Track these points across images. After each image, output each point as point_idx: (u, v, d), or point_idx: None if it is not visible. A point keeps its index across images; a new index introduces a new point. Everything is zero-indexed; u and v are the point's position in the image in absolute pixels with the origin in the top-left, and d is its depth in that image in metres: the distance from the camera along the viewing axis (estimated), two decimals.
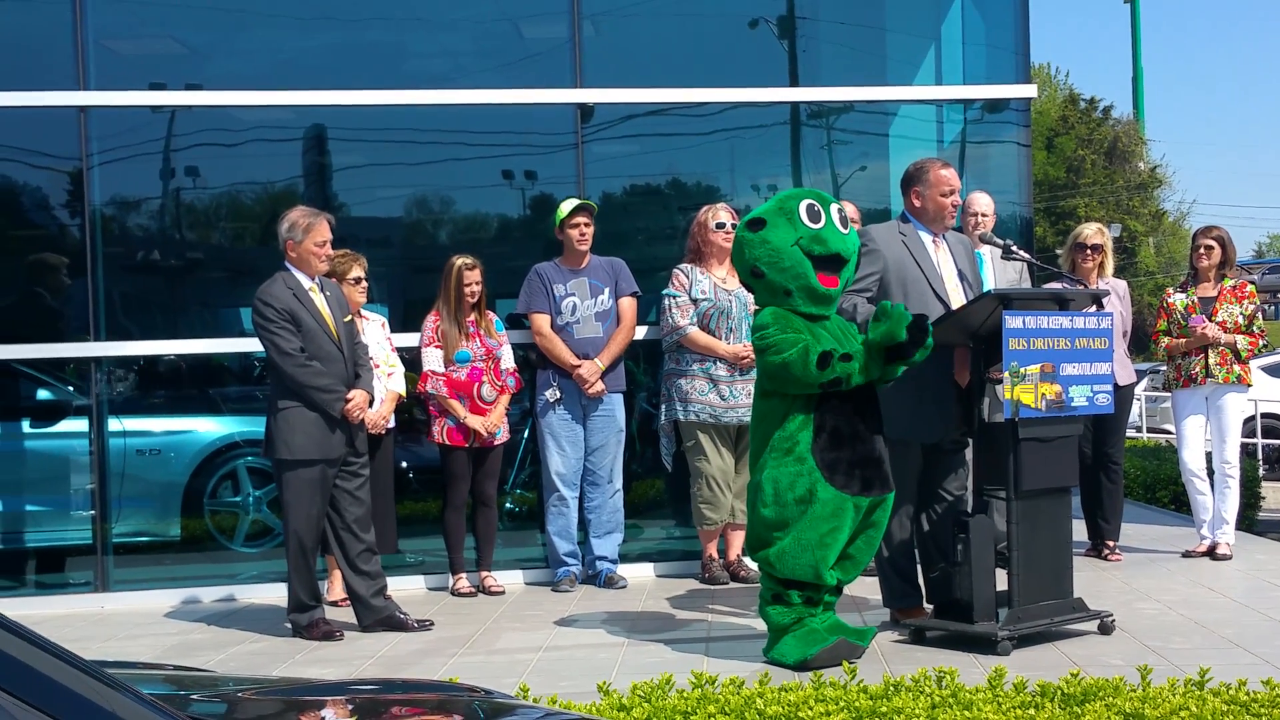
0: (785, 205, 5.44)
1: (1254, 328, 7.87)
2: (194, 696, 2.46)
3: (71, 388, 7.93)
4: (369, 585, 6.49)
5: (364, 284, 7.11)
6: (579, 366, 7.46)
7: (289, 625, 6.46)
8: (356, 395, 6.40)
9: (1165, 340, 8.00)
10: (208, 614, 7.21)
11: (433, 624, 6.57)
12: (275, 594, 7.42)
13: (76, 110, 7.66)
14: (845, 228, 5.48)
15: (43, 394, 8.01)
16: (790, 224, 5.38)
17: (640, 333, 7.82)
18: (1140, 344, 22.54)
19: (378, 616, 6.48)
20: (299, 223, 6.38)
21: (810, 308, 5.43)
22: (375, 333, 7.22)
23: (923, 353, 5.28)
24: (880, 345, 5.23)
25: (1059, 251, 8.31)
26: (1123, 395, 7.72)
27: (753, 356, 6.90)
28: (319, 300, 6.42)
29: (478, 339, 7.40)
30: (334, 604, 7.06)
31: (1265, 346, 8.11)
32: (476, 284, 7.39)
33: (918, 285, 5.99)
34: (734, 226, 7.27)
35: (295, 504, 6.31)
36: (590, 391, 7.47)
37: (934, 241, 6.13)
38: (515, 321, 7.79)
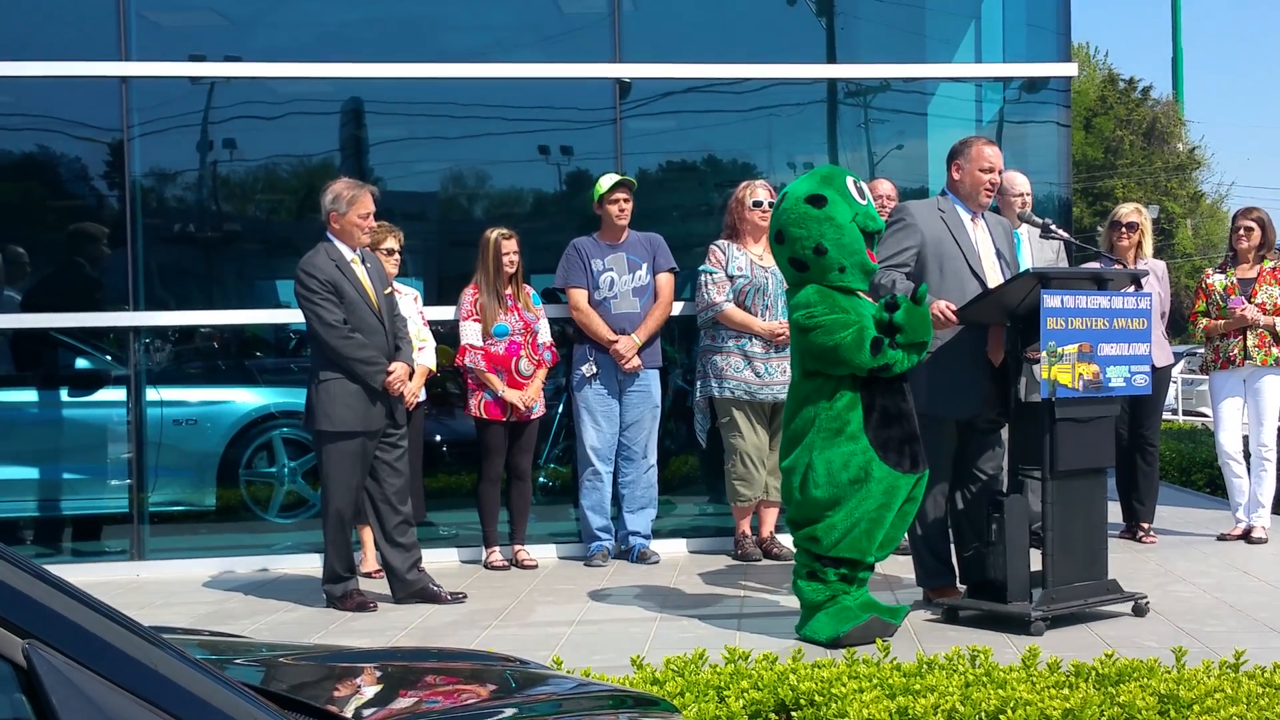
0: (834, 182, 5.42)
1: None
2: (234, 660, 2.48)
3: (110, 357, 8.00)
4: (404, 558, 6.52)
5: (397, 256, 7.14)
6: (616, 342, 7.46)
7: (324, 595, 6.51)
8: (398, 368, 6.43)
9: (1204, 321, 7.94)
10: (242, 583, 7.27)
11: (466, 596, 6.60)
12: (309, 564, 7.49)
13: (118, 81, 7.71)
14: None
15: (81, 363, 8.08)
16: (845, 200, 5.37)
17: (676, 309, 7.81)
18: (1177, 326, 22.39)
19: (412, 589, 6.51)
20: (343, 194, 6.40)
21: (861, 283, 5.44)
22: (408, 306, 7.24)
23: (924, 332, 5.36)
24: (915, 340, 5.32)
25: (1099, 229, 8.25)
26: (1159, 377, 7.68)
27: (788, 334, 6.90)
28: (360, 272, 6.44)
29: (515, 313, 7.41)
30: (367, 575, 7.11)
31: None
32: (514, 253, 7.40)
33: (954, 262, 5.96)
34: (771, 205, 7.27)
35: (335, 475, 6.34)
36: (626, 367, 7.48)
37: (972, 220, 6.10)
38: (552, 296, 7.80)
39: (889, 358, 5.25)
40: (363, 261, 6.49)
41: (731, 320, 7.39)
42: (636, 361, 7.50)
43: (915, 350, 5.34)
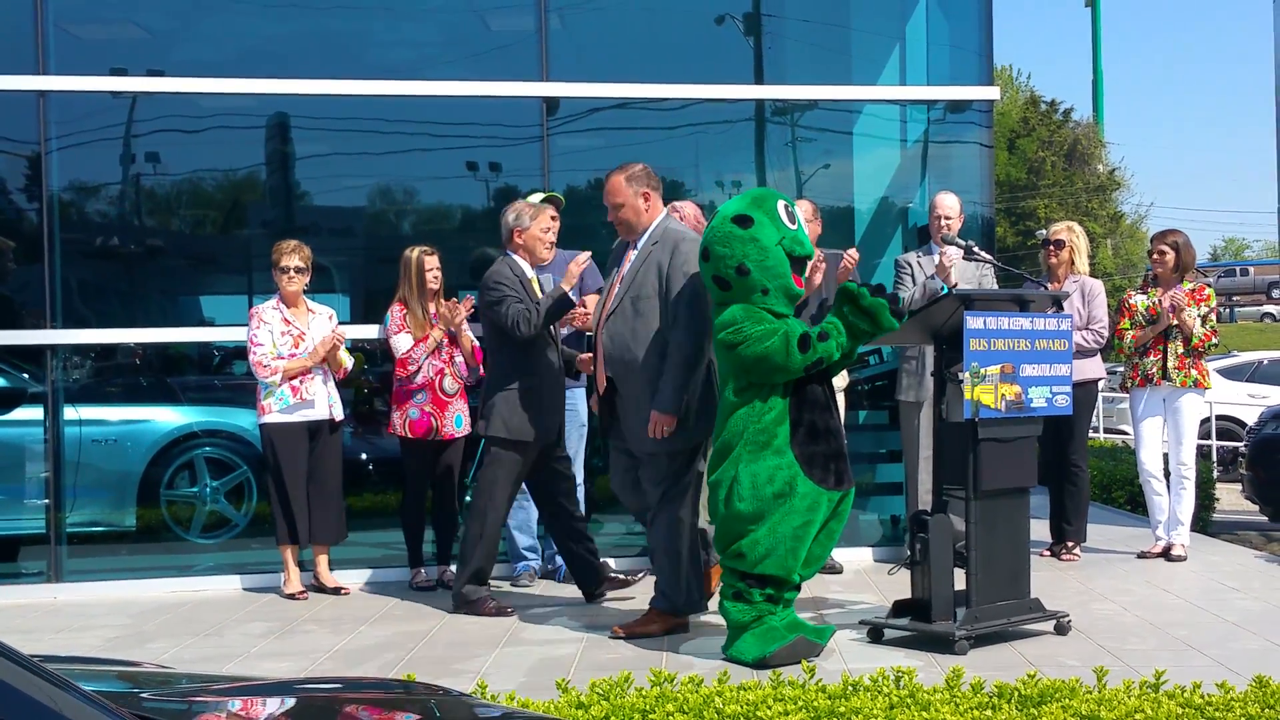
0: (764, 205, 5.44)
1: (1208, 325, 7.93)
2: (144, 695, 2.43)
3: (26, 375, 7.84)
4: (588, 549, 6.80)
5: (293, 274, 7.06)
6: (583, 305, 7.17)
7: (460, 595, 6.59)
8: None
9: (1133, 331, 7.99)
10: (161, 605, 7.14)
11: (638, 578, 6.94)
12: (230, 586, 7.40)
13: (36, 95, 7.56)
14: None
15: None
16: (773, 223, 5.39)
17: None
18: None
19: (602, 579, 6.82)
20: (525, 211, 6.64)
21: (784, 308, 5.45)
22: (322, 326, 7.19)
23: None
24: (860, 327, 5.32)
25: (1028, 247, 8.35)
26: (1087, 392, 7.77)
27: None
28: (537, 290, 6.62)
29: (439, 330, 7.35)
30: (291, 597, 7.04)
31: (1217, 345, 8.16)
32: (436, 269, 7.35)
33: None
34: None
35: (502, 481, 6.53)
36: (577, 324, 7.23)
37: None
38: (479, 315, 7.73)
39: (821, 351, 5.28)
40: (537, 281, 6.69)
41: None
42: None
43: (850, 339, 5.31)
